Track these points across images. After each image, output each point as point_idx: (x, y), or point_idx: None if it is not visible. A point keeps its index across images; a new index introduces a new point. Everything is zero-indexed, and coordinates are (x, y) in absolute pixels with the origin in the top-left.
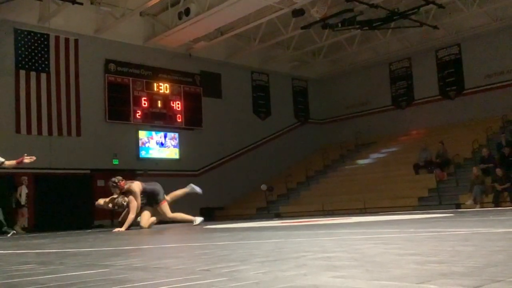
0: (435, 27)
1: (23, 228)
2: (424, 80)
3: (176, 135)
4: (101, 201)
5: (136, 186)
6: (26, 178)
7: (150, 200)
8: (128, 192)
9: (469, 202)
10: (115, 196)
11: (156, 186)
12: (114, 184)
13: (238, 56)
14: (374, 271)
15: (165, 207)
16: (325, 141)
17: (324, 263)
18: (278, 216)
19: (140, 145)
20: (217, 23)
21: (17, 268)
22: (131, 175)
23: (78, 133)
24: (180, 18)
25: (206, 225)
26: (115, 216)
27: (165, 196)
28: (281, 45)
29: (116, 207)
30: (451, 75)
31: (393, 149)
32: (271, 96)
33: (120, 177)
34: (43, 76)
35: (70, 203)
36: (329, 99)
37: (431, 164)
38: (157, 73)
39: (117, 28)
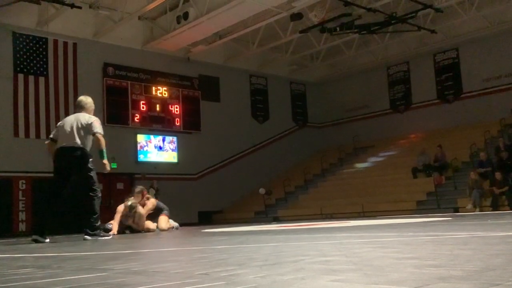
0: (433, 31)
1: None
2: (422, 84)
3: (175, 138)
4: (120, 208)
5: (152, 203)
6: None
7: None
8: (145, 204)
9: (469, 206)
10: (131, 200)
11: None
12: (139, 190)
13: (237, 59)
14: (372, 275)
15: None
16: (323, 145)
17: (322, 267)
18: (277, 220)
19: (138, 148)
20: (216, 27)
21: (15, 272)
22: (129, 178)
23: None
24: (178, 22)
25: (205, 229)
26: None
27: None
28: (280, 49)
29: (130, 210)
30: (449, 79)
31: (391, 152)
32: (269, 100)
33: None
34: (41, 79)
35: (68, 207)
36: (327, 103)
37: (429, 168)
38: (155, 76)
39: (116, 32)
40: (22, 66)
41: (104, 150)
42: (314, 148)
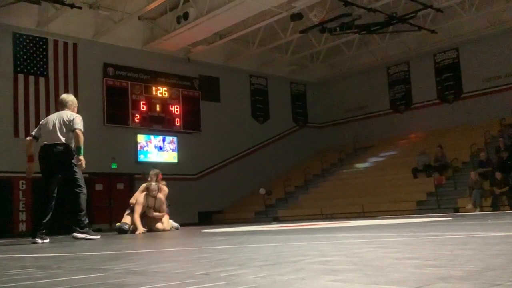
0: (433, 31)
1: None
2: (422, 84)
3: (175, 138)
4: (133, 200)
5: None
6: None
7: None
8: (162, 189)
9: (469, 206)
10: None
11: None
12: (156, 173)
13: (237, 60)
14: (372, 275)
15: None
16: (323, 145)
17: (322, 267)
18: (277, 220)
19: (138, 148)
20: (216, 27)
21: (15, 273)
22: (130, 179)
23: None
24: (178, 22)
25: (205, 229)
26: (113, 221)
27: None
28: (280, 49)
29: (152, 192)
30: (449, 79)
31: (392, 153)
32: (269, 100)
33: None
34: (42, 80)
35: (68, 207)
36: (328, 103)
37: (430, 168)
38: (155, 77)
39: (116, 32)
40: (22, 66)
41: (82, 146)
42: (314, 148)
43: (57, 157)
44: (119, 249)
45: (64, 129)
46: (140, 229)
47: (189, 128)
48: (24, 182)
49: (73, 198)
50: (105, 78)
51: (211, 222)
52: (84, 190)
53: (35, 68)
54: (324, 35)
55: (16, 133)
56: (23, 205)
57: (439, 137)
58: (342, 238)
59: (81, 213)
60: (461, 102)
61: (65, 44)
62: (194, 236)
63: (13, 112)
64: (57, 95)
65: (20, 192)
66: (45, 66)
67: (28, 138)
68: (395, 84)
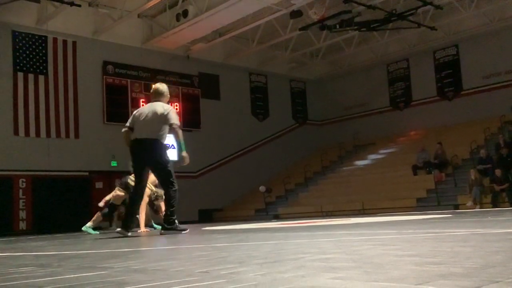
0: (433, 28)
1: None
2: (422, 81)
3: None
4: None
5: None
6: None
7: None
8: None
9: (469, 203)
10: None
11: None
12: None
13: (236, 57)
14: (372, 273)
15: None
16: (323, 143)
17: (322, 265)
18: (277, 217)
19: None
20: (215, 25)
21: (15, 271)
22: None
23: (76, 135)
24: (178, 20)
25: (205, 227)
26: (113, 219)
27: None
28: (279, 46)
29: (154, 197)
30: (449, 76)
31: (391, 150)
32: (269, 98)
33: None
34: (41, 78)
35: (69, 205)
36: (327, 101)
37: (430, 165)
38: (155, 74)
39: (115, 30)
40: (21, 64)
41: (183, 141)
42: (314, 146)
43: (148, 153)
44: (119, 247)
45: (158, 123)
46: (142, 228)
47: (189, 126)
48: (24, 180)
49: (164, 195)
50: (104, 76)
51: (211, 220)
52: (175, 186)
53: (34, 66)
54: (324, 32)
55: (16, 131)
56: (23, 203)
57: (439, 134)
58: (342, 236)
59: (171, 209)
60: (461, 99)
61: (65, 42)
62: (194, 234)
63: (12, 110)
64: (56, 93)
65: (20, 191)
66: (44, 64)
67: (123, 130)
68: (395, 81)
